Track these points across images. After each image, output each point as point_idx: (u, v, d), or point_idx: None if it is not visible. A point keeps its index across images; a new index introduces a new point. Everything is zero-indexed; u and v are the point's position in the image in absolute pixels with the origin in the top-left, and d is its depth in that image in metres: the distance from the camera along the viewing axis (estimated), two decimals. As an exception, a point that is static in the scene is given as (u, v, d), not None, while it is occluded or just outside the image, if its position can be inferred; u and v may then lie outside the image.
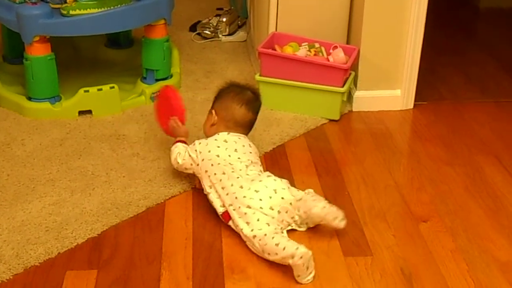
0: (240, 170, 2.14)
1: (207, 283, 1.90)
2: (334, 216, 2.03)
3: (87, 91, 2.77)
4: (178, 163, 2.26)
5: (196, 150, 2.23)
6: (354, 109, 2.92)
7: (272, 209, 2.03)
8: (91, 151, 2.54)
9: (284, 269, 1.94)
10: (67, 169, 2.42)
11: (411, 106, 2.95)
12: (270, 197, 2.04)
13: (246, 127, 2.33)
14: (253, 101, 2.34)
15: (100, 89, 2.78)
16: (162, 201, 2.25)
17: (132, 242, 2.05)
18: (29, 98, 2.78)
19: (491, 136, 2.73)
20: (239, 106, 2.30)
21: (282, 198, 2.05)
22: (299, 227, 2.09)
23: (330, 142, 2.66)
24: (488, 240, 2.09)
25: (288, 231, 2.06)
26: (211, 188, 2.15)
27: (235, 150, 2.20)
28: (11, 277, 1.90)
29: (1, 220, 2.13)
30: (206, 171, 2.18)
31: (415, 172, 2.47)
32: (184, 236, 2.08)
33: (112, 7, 2.69)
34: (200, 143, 2.25)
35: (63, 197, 2.25)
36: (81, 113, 2.79)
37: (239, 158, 2.18)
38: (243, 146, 2.23)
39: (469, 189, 2.36)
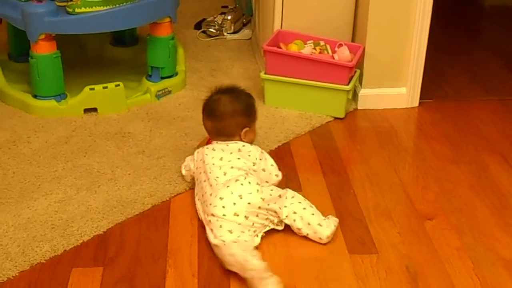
0: (217, 177, 2.09)
1: (213, 280, 1.90)
2: (318, 237, 2.03)
3: (93, 89, 2.78)
4: (183, 174, 2.31)
5: (194, 159, 2.25)
6: (359, 107, 2.92)
7: (237, 215, 1.99)
8: (97, 148, 2.55)
9: (289, 267, 1.95)
10: (72, 167, 2.42)
11: (416, 104, 2.95)
12: (234, 204, 2.00)
13: (216, 134, 2.25)
14: (208, 107, 2.28)
15: (106, 87, 2.79)
16: (168, 198, 2.26)
17: (138, 240, 2.06)
18: (35, 96, 2.79)
19: (496, 134, 2.73)
20: (203, 115, 2.30)
21: (249, 203, 2.01)
22: (277, 225, 2.07)
23: (335, 140, 2.66)
24: (494, 238, 2.09)
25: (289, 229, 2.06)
26: (196, 195, 2.16)
27: (220, 159, 2.15)
28: (17, 274, 1.91)
29: (7, 218, 2.14)
30: (196, 179, 2.19)
31: (420, 170, 2.46)
32: (189, 233, 2.08)
33: (117, 5, 2.69)
34: (197, 152, 2.26)
35: (69, 195, 2.26)
36: (86, 111, 2.80)
37: (220, 166, 2.12)
38: (230, 153, 2.17)
39: (474, 187, 2.36)
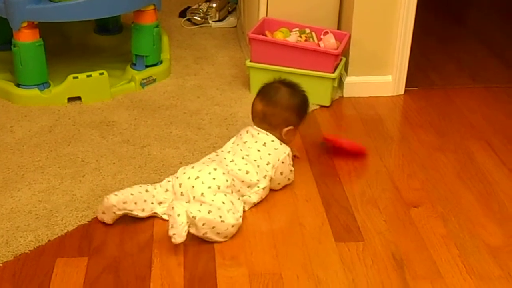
0: (225, 158, 2.16)
1: (199, 269, 1.89)
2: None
3: (76, 77, 2.75)
4: None
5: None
6: (345, 95, 2.91)
7: (180, 186, 2.06)
8: (81, 138, 2.53)
9: (276, 255, 1.94)
10: (56, 156, 2.40)
11: (402, 92, 2.94)
12: (189, 178, 2.06)
13: (260, 120, 2.23)
14: (265, 91, 2.27)
15: (90, 76, 2.76)
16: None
17: (123, 229, 2.04)
18: (18, 85, 2.76)
19: (482, 121, 2.74)
20: (256, 98, 2.28)
21: (193, 186, 2.04)
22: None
23: (321, 128, 2.66)
24: (479, 225, 2.10)
25: (276, 217, 2.05)
26: None
27: (244, 142, 2.19)
28: (0, 264, 1.89)
29: (-10, 208, 2.12)
30: None
31: (406, 158, 2.46)
32: (175, 222, 2.07)
33: (101, -7, 2.66)
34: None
35: (53, 184, 2.24)
36: (70, 99, 2.77)
37: (235, 151, 2.19)
38: (255, 142, 2.18)
39: (460, 175, 2.36)
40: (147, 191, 2.07)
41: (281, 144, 2.20)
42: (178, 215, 1.89)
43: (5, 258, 1.91)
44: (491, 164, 2.43)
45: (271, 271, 1.88)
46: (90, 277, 1.86)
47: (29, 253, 1.94)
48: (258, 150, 2.16)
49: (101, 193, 2.18)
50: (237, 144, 2.20)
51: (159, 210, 2.07)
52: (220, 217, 1.96)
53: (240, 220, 2.03)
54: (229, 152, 2.19)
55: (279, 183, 2.21)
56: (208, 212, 1.95)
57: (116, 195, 2.00)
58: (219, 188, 2.04)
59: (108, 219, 2.04)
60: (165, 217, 2.04)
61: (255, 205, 2.15)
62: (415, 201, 2.21)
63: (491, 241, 2.03)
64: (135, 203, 2.02)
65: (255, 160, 2.14)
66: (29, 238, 1.99)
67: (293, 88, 2.28)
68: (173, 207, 1.91)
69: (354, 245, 2.00)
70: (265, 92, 2.27)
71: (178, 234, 1.90)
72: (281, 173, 2.19)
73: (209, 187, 2.03)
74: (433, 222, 2.11)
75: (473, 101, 2.91)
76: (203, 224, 1.94)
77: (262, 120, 2.23)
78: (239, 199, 2.09)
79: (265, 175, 2.14)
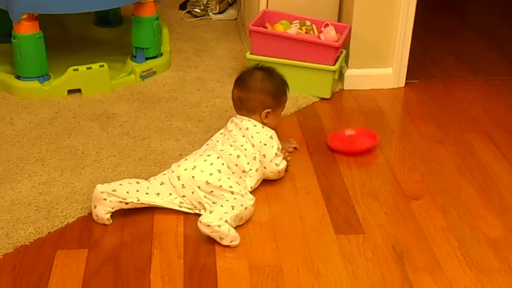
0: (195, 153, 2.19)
1: (199, 262, 1.89)
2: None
3: (76, 69, 2.75)
4: None
5: None
6: (345, 88, 2.91)
7: (179, 179, 2.06)
8: (81, 130, 2.52)
9: (276, 247, 1.94)
10: (56, 148, 2.40)
11: (403, 84, 2.94)
12: (185, 169, 2.07)
13: (239, 106, 2.26)
14: (240, 77, 2.29)
15: (90, 68, 2.76)
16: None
17: (123, 221, 2.04)
18: (18, 77, 2.75)
19: (482, 114, 2.73)
20: (233, 86, 2.30)
21: (193, 177, 2.05)
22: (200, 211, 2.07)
23: (321, 120, 2.66)
24: (479, 218, 2.10)
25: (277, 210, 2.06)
26: None
27: (230, 131, 2.21)
28: (1, 256, 1.89)
29: (-10, 200, 2.12)
30: None
31: (406, 151, 2.46)
32: (175, 214, 2.07)
33: (101, -16, 2.66)
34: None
35: (53, 176, 2.24)
36: (70, 92, 2.77)
37: (223, 140, 2.22)
38: (239, 129, 2.20)
39: (460, 168, 2.36)
40: (138, 182, 2.08)
41: (263, 127, 2.21)
42: (219, 226, 1.90)
43: (5, 250, 1.91)
44: (491, 156, 2.43)
45: (271, 264, 1.88)
46: (90, 269, 1.86)
47: (29, 245, 1.94)
48: (243, 136, 2.19)
49: (101, 185, 2.18)
50: (224, 134, 2.23)
51: (159, 201, 2.06)
52: (242, 205, 2.00)
53: (254, 198, 2.06)
54: (218, 141, 2.22)
55: (271, 171, 2.19)
56: (233, 208, 1.97)
57: (102, 184, 2.02)
58: (220, 172, 2.06)
59: (101, 212, 2.00)
60: (167, 205, 2.06)
61: (254, 193, 2.14)
62: (416, 193, 2.21)
63: (491, 233, 2.03)
64: (127, 192, 2.02)
65: (241, 145, 2.16)
66: (29, 230, 1.99)
67: (267, 71, 2.29)
68: (208, 224, 1.90)
69: (354, 237, 2.00)
70: (240, 79, 2.29)
71: (235, 238, 1.93)
72: (264, 156, 2.17)
73: (211, 174, 2.05)
74: (433, 215, 2.11)
75: (473, 93, 2.91)
76: (234, 221, 1.96)
77: (240, 106, 2.25)
78: (240, 177, 2.11)
79: (254, 157, 2.16)
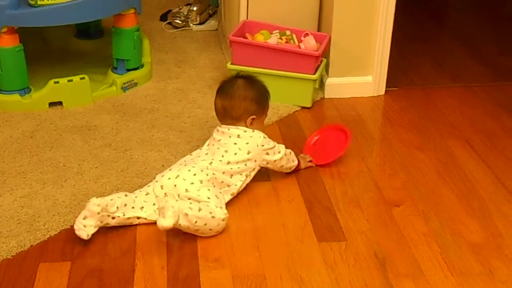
0: (199, 156, 2.21)
1: (182, 272, 1.89)
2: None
3: (57, 82, 2.74)
4: None
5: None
6: (326, 96, 2.93)
7: (162, 188, 2.08)
8: (63, 142, 2.52)
9: (260, 256, 1.95)
10: (38, 161, 2.39)
11: (383, 92, 2.97)
12: (169, 179, 2.08)
13: (223, 115, 2.26)
14: (222, 86, 2.30)
15: (71, 80, 2.76)
16: (135, 191, 2.24)
17: (105, 233, 2.04)
18: (-2, 90, 2.75)
19: (461, 120, 2.76)
20: (215, 95, 2.31)
21: (175, 185, 2.06)
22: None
23: (303, 129, 2.67)
24: (460, 223, 2.12)
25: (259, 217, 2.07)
26: None
27: (218, 141, 2.22)
28: (-17, 270, 1.88)
29: (-29, 214, 2.10)
30: None
31: (387, 158, 2.48)
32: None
33: (80, -3, 2.66)
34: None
35: (35, 189, 2.23)
36: (51, 104, 2.76)
37: (209, 149, 2.23)
38: (229, 137, 2.20)
39: (440, 174, 2.38)
40: (126, 195, 2.07)
41: (253, 131, 2.22)
42: (172, 206, 1.90)
43: (-13, 264, 1.90)
44: (471, 162, 2.45)
45: (254, 272, 1.89)
46: (73, 281, 1.85)
47: (11, 259, 1.93)
48: (235, 143, 2.18)
49: (83, 198, 2.18)
50: (213, 145, 2.22)
51: (143, 214, 2.07)
52: (211, 213, 1.99)
53: (227, 214, 2.04)
54: (206, 154, 2.20)
55: (282, 166, 2.26)
56: (199, 210, 1.97)
57: (97, 197, 2.00)
58: (201, 182, 2.06)
59: (90, 224, 1.98)
60: (150, 218, 2.05)
61: (236, 201, 2.16)
62: (397, 200, 2.23)
63: (472, 238, 2.05)
64: (117, 207, 2.02)
65: (235, 154, 2.16)
66: (11, 243, 1.98)
67: (248, 79, 2.31)
68: (167, 200, 1.91)
69: (337, 244, 2.01)
70: (222, 88, 2.30)
71: (168, 217, 1.88)
72: (267, 154, 2.21)
73: (192, 183, 2.05)
74: (415, 221, 2.12)
75: (453, 100, 2.94)
76: (196, 222, 1.96)
77: (224, 115, 2.26)
78: (220, 192, 2.11)
79: (245, 163, 2.17)
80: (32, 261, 1.92)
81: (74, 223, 2.05)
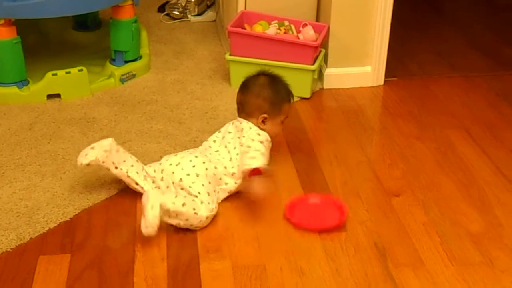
0: (209, 146, 2.22)
1: (182, 263, 1.89)
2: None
3: (55, 74, 2.73)
4: None
5: None
6: (325, 87, 2.92)
7: (162, 172, 2.11)
8: (61, 134, 2.51)
9: (259, 247, 1.95)
10: (37, 154, 2.39)
11: (382, 82, 2.96)
12: (170, 164, 2.10)
13: (240, 109, 2.25)
14: (244, 80, 2.28)
15: (69, 72, 2.75)
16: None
17: (105, 225, 2.04)
18: (-4, 83, 2.74)
19: (461, 110, 2.76)
20: None
21: (173, 172, 2.08)
22: None
23: (302, 120, 2.66)
24: (460, 213, 2.11)
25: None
26: None
27: (228, 132, 2.22)
28: (-18, 263, 1.88)
29: (-30, 207, 2.10)
30: None
31: (386, 148, 2.48)
32: (157, 217, 2.07)
33: (78, -12, 2.65)
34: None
35: (34, 182, 2.23)
36: (49, 96, 2.75)
37: (217, 139, 2.24)
38: (237, 131, 2.19)
39: (440, 163, 2.38)
40: (137, 161, 2.15)
41: (255, 129, 2.19)
42: (152, 207, 1.91)
43: (-13, 257, 1.90)
44: (470, 152, 2.45)
45: (254, 263, 1.89)
46: (73, 273, 1.85)
47: (11, 252, 1.93)
48: (238, 137, 2.18)
49: (82, 190, 2.18)
50: (223, 137, 2.22)
51: (143, 183, 2.12)
52: (194, 209, 1.98)
53: (214, 211, 2.04)
54: (214, 141, 2.22)
55: (244, 165, 2.13)
56: (183, 205, 1.97)
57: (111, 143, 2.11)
58: (197, 176, 2.06)
59: (93, 154, 2.07)
60: (141, 185, 2.11)
61: (237, 196, 2.15)
62: (396, 190, 2.23)
63: (471, 228, 2.05)
64: (124, 161, 2.11)
65: (234, 148, 2.16)
66: (10, 236, 1.97)
67: (271, 78, 2.28)
68: (148, 197, 1.92)
69: (337, 235, 2.01)
70: (244, 82, 2.29)
71: (149, 226, 1.91)
72: (249, 147, 2.13)
73: (188, 174, 2.05)
74: (414, 211, 2.12)
75: (452, 90, 2.93)
76: (177, 216, 1.97)
77: (241, 109, 2.26)
78: (214, 190, 2.09)
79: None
80: (31, 254, 1.92)
81: (73, 215, 2.06)
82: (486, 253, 1.94)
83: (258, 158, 2.09)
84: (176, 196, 2.00)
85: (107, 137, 2.47)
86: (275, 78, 2.29)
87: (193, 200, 2.00)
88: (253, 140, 2.15)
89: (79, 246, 1.95)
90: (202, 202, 2.01)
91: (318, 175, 2.30)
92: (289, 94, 2.29)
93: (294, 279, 1.84)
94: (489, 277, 1.85)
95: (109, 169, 2.09)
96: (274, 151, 2.40)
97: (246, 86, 2.27)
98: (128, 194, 2.17)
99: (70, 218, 2.06)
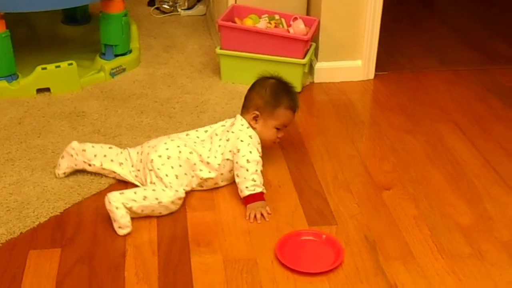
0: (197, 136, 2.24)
1: (173, 257, 1.89)
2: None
3: (45, 68, 2.72)
4: None
5: None
6: (315, 81, 2.92)
7: (141, 154, 2.16)
8: (51, 129, 2.50)
9: (250, 241, 1.95)
10: (26, 148, 2.38)
11: (372, 76, 2.96)
12: (149, 146, 2.15)
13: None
14: (256, 80, 2.29)
15: (58, 66, 2.74)
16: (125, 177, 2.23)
17: (95, 219, 2.03)
18: (-15, 77, 2.72)
19: (450, 104, 2.77)
20: None
21: (148, 153, 2.12)
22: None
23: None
24: (450, 206, 2.12)
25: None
26: None
27: (222, 125, 2.27)
28: (-28, 258, 1.87)
29: (-40, 201, 2.09)
30: None
31: (377, 142, 2.48)
32: (148, 211, 2.07)
33: (67, -18, 2.63)
34: None
35: (24, 176, 2.22)
36: (39, 91, 2.74)
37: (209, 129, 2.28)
38: (231, 125, 2.22)
39: (430, 157, 2.39)
40: (110, 148, 2.19)
41: (248, 127, 2.20)
42: (117, 208, 1.94)
43: (-23, 252, 1.89)
44: (460, 145, 2.46)
45: (245, 257, 1.89)
46: (63, 268, 1.84)
47: (1, 246, 1.92)
48: (227, 131, 2.19)
49: (72, 184, 2.17)
50: (215, 129, 2.25)
51: (119, 170, 2.16)
52: (157, 199, 2.01)
53: (181, 194, 2.05)
54: (206, 131, 2.24)
55: (241, 166, 2.10)
56: (144, 199, 2.00)
57: (78, 143, 2.15)
58: (168, 158, 2.09)
59: (63, 166, 2.17)
60: (124, 176, 2.16)
61: (228, 190, 2.15)
62: (387, 183, 2.23)
63: (461, 220, 2.06)
64: (94, 155, 2.14)
65: (220, 140, 2.17)
66: (0, 231, 1.97)
67: (280, 83, 2.26)
68: (109, 201, 1.95)
69: (327, 228, 2.01)
70: (256, 80, 2.30)
71: (123, 226, 1.95)
72: (238, 150, 2.12)
73: (160, 156, 2.09)
74: (405, 204, 2.13)
75: (442, 84, 2.94)
76: (142, 211, 2.00)
77: (243, 104, 2.28)
78: (186, 173, 2.11)
79: (223, 152, 2.15)
80: (22, 248, 1.91)
81: (63, 210, 2.06)
82: (475, 246, 1.95)
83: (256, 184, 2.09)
84: (135, 192, 2.01)
85: (97, 131, 2.48)
86: (283, 85, 2.27)
87: (153, 190, 2.03)
88: (242, 141, 2.14)
89: (69, 241, 1.95)
90: (164, 188, 2.04)
91: (309, 169, 2.30)
92: (291, 103, 2.23)
93: (285, 273, 1.84)
94: (478, 269, 1.86)
95: (85, 169, 2.17)
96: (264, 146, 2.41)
97: (254, 83, 2.29)
98: (118, 189, 2.16)
99: (60, 213, 2.05)
